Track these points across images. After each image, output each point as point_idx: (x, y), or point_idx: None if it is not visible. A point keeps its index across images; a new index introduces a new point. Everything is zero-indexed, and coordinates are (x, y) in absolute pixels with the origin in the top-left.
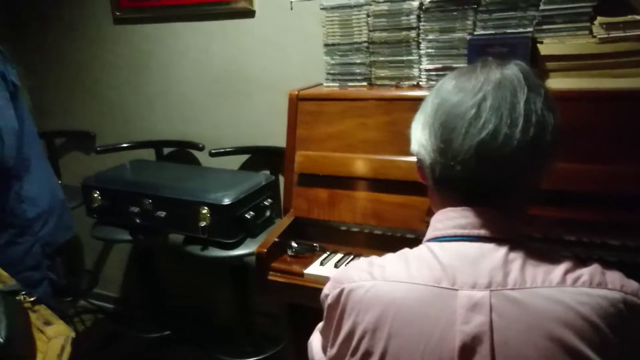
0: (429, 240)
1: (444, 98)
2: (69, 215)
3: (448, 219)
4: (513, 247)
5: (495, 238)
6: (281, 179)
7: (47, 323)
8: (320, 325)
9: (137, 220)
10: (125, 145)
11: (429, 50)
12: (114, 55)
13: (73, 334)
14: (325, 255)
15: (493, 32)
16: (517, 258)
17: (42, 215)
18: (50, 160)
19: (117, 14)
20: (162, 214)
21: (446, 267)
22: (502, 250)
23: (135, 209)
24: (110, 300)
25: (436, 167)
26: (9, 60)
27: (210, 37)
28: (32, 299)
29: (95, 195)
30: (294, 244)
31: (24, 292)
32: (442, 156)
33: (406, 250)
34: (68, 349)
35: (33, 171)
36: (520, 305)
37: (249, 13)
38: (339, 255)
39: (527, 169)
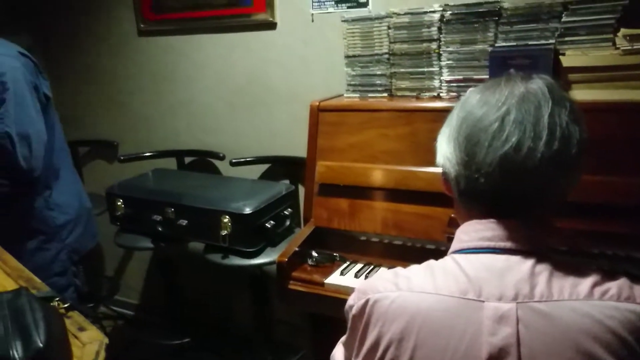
0: (454, 252)
1: (468, 112)
2: (94, 224)
3: (474, 230)
4: (539, 260)
5: (521, 250)
6: (301, 188)
7: (81, 329)
8: (344, 337)
9: (159, 228)
10: (147, 154)
11: (450, 62)
12: (137, 66)
13: (106, 340)
14: (345, 265)
15: (514, 43)
16: (543, 270)
17: (70, 223)
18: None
19: (142, 26)
20: (184, 222)
21: (472, 279)
22: (529, 263)
23: (158, 217)
24: (130, 307)
25: (461, 179)
26: (41, 72)
27: (232, 48)
28: (66, 305)
29: (119, 203)
30: (314, 254)
31: (57, 299)
32: (466, 169)
33: (431, 261)
34: (102, 355)
35: (62, 180)
36: (547, 318)
37: (271, 25)
38: (359, 265)
39: (552, 182)
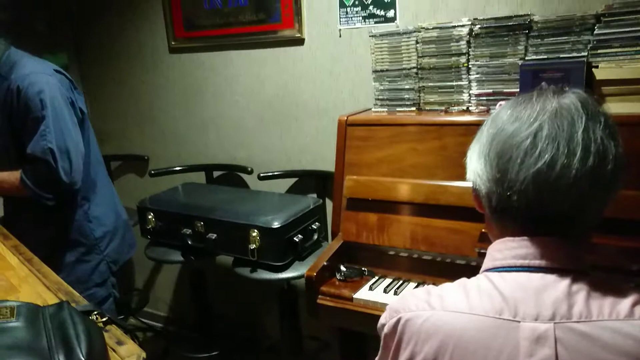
0: (487, 270)
1: (499, 127)
2: (131, 234)
3: (507, 248)
4: (576, 278)
5: (557, 269)
6: (328, 203)
7: (120, 343)
8: (377, 357)
9: (189, 242)
10: (177, 168)
11: (479, 76)
12: (168, 82)
13: (144, 354)
14: (374, 279)
15: (546, 57)
16: (581, 289)
17: (108, 234)
18: None
19: (173, 43)
20: (213, 236)
21: (507, 298)
22: (565, 281)
23: (188, 231)
24: (160, 319)
25: (492, 196)
26: (76, 88)
27: (261, 64)
28: (104, 319)
29: (150, 216)
30: (343, 268)
31: (96, 312)
32: (498, 186)
33: (464, 279)
34: None
35: (99, 193)
36: (587, 339)
37: (299, 41)
38: (388, 280)
39: (588, 198)
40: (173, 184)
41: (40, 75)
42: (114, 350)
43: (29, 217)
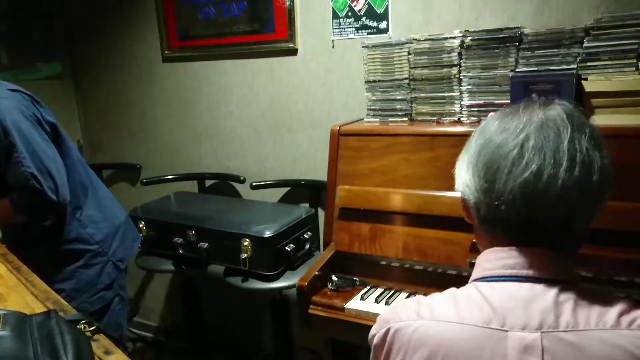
0: (476, 280)
1: (487, 138)
2: (133, 229)
3: (497, 258)
4: (564, 288)
5: (545, 279)
6: (321, 212)
7: (108, 352)
8: None
9: (181, 251)
10: (169, 177)
11: (470, 87)
12: (162, 92)
13: None
14: (366, 289)
15: (536, 69)
16: (568, 299)
17: (109, 235)
18: None
19: (167, 52)
20: (205, 245)
21: (496, 308)
22: (553, 291)
23: (179, 240)
24: (150, 329)
25: (481, 206)
26: (38, 102)
27: (255, 74)
28: (92, 328)
29: (141, 225)
30: (334, 278)
31: (84, 321)
32: (486, 196)
33: (454, 289)
34: None
35: (90, 197)
36: (574, 348)
37: (292, 51)
38: (379, 290)
39: (575, 208)
40: (165, 194)
41: None
42: None
43: (26, 236)
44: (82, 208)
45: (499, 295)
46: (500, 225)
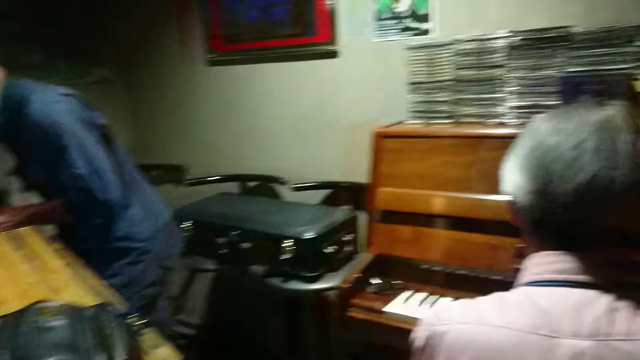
0: (525, 284)
1: (539, 140)
2: (177, 229)
3: (546, 262)
4: (618, 295)
5: (598, 284)
6: (362, 215)
7: (155, 346)
8: None
9: (223, 251)
10: (212, 178)
11: (517, 88)
12: (207, 95)
13: (180, 357)
14: (406, 293)
15: (585, 69)
16: (623, 306)
17: (155, 234)
18: None
19: (212, 56)
20: (247, 245)
21: (545, 314)
22: (606, 298)
23: (222, 240)
24: (193, 327)
25: (532, 209)
26: (87, 105)
27: (296, 76)
28: (140, 322)
29: (185, 225)
30: (375, 281)
31: (133, 316)
32: (538, 198)
33: (500, 293)
34: None
35: (137, 196)
36: (629, 357)
37: (334, 54)
38: (421, 295)
39: (632, 212)
40: (208, 194)
41: (50, 106)
42: (149, 353)
43: (77, 234)
44: (130, 207)
45: (549, 300)
46: (551, 229)
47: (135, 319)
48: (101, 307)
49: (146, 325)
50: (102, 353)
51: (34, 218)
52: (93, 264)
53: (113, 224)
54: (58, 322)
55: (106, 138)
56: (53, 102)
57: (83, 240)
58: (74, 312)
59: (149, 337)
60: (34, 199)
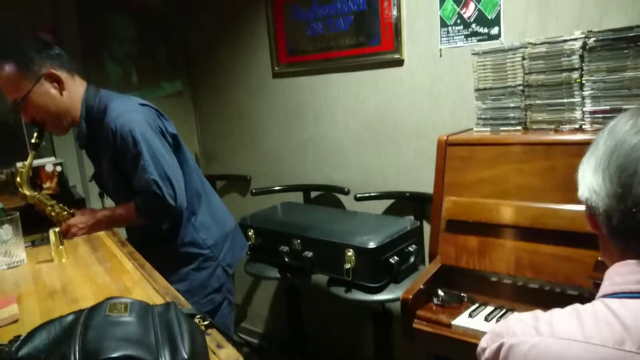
0: (605, 296)
1: (620, 139)
2: (241, 236)
3: (630, 272)
4: None
5: None
6: (426, 225)
7: (220, 346)
8: None
9: (286, 259)
10: (276, 188)
11: (594, 92)
12: (271, 106)
13: (242, 358)
14: (474, 306)
15: None
16: None
17: (220, 241)
18: None
19: (276, 68)
20: (309, 254)
21: (630, 328)
22: None
23: (285, 248)
24: (255, 335)
25: (613, 214)
26: (162, 115)
27: (360, 86)
28: (206, 323)
29: (250, 233)
30: (440, 293)
31: (199, 316)
32: (619, 203)
33: (577, 305)
34: None
35: (204, 204)
36: None
37: (398, 62)
38: (489, 308)
39: None
40: (272, 203)
41: (128, 115)
42: (214, 353)
43: (147, 238)
44: (197, 214)
45: (633, 313)
46: (635, 235)
47: (200, 319)
48: (169, 305)
49: (211, 325)
50: (168, 349)
51: (109, 220)
52: (161, 269)
53: (181, 229)
54: (128, 317)
55: (177, 147)
56: (132, 111)
57: (152, 245)
58: (143, 308)
59: (213, 337)
60: (109, 203)
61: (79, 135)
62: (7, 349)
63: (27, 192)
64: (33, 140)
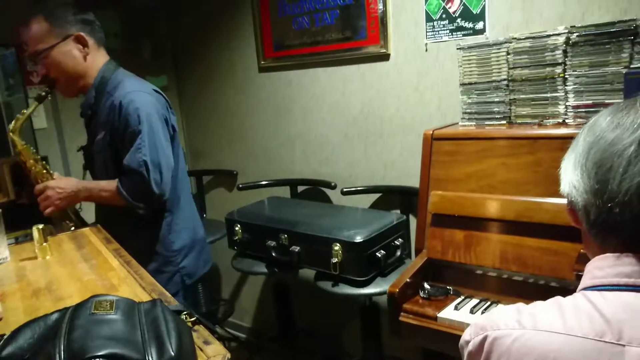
0: (585, 289)
1: (597, 135)
2: (207, 251)
3: (609, 266)
4: None
5: None
6: (412, 220)
7: (207, 342)
8: None
9: (273, 254)
10: (263, 183)
11: (577, 86)
12: (257, 101)
13: (229, 355)
14: (460, 299)
15: None
16: None
17: (185, 248)
18: (198, 196)
19: (262, 63)
20: (297, 248)
21: (610, 320)
22: None
23: (272, 243)
24: (244, 330)
25: (591, 209)
26: (170, 107)
27: (346, 80)
28: (192, 319)
29: (237, 228)
30: (426, 286)
31: (186, 312)
32: (597, 198)
33: (559, 298)
34: None
35: (182, 207)
36: None
37: (385, 57)
38: (474, 301)
39: None
40: (259, 198)
41: (139, 94)
42: (201, 350)
43: (121, 228)
44: (174, 215)
45: (613, 305)
46: (613, 230)
47: (187, 315)
48: (155, 302)
49: (198, 322)
50: (155, 347)
51: (90, 192)
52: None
53: (154, 223)
54: (114, 315)
55: (173, 142)
56: (144, 92)
57: (124, 233)
58: (129, 306)
59: (200, 333)
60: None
61: (84, 103)
62: None
63: (16, 139)
64: (40, 92)
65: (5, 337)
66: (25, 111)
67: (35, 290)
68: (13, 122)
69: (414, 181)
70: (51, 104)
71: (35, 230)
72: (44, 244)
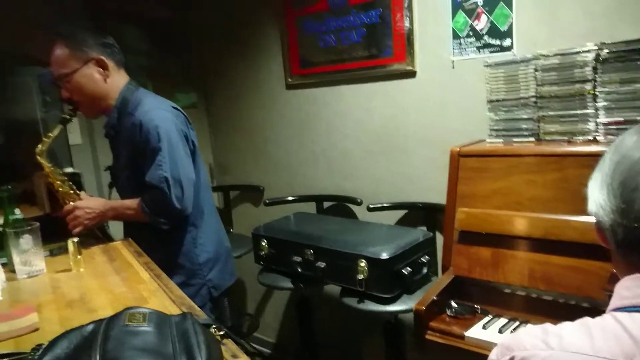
0: (614, 310)
1: (623, 155)
2: (232, 263)
3: (637, 286)
4: None
5: None
6: (439, 236)
7: (235, 356)
8: None
9: (299, 269)
10: (289, 198)
11: (608, 103)
12: (283, 117)
13: None
14: (487, 318)
15: None
16: None
17: (210, 261)
18: (225, 211)
19: (289, 80)
20: (322, 264)
21: (639, 342)
22: None
23: (298, 259)
24: (268, 345)
25: (618, 229)
26: (190, 124)
27: (371, 97)
28: (221, 333)
29: (263, 243)
30: (453, 304)
31: (215, 326)
32: (623, 217)
33: (586, 319)
34: None
35: (206, 220)
36: None
37: (410, 74)
38: (502, 320)
39: None
40: (285, 214)
41: (158, 111)
42: None
43: (146, 242)
44: (198, 228)
45: None
46: (637, 249)
47: (216, 329)
48: (185, 315)
49: (227, 335)
50: (186, 358)
51: (116, 211)
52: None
53: (179, 238)
54: (146, 327)
55: (193, 157)
56: (163, 110)
57: (151, 250)
58: (161, 318)
59: (228, 347)
60: (114, 196)
61: (108, 123)
62: (29, 357)
63: (43, 162)
64: (64, 115)
65: (43, 346)
66: (50, 134)
67: (69, 302)
68: (40, 145)
69: (438, 197)
70: (86, 121)
71: (71, 244)
72: (78, 256)
